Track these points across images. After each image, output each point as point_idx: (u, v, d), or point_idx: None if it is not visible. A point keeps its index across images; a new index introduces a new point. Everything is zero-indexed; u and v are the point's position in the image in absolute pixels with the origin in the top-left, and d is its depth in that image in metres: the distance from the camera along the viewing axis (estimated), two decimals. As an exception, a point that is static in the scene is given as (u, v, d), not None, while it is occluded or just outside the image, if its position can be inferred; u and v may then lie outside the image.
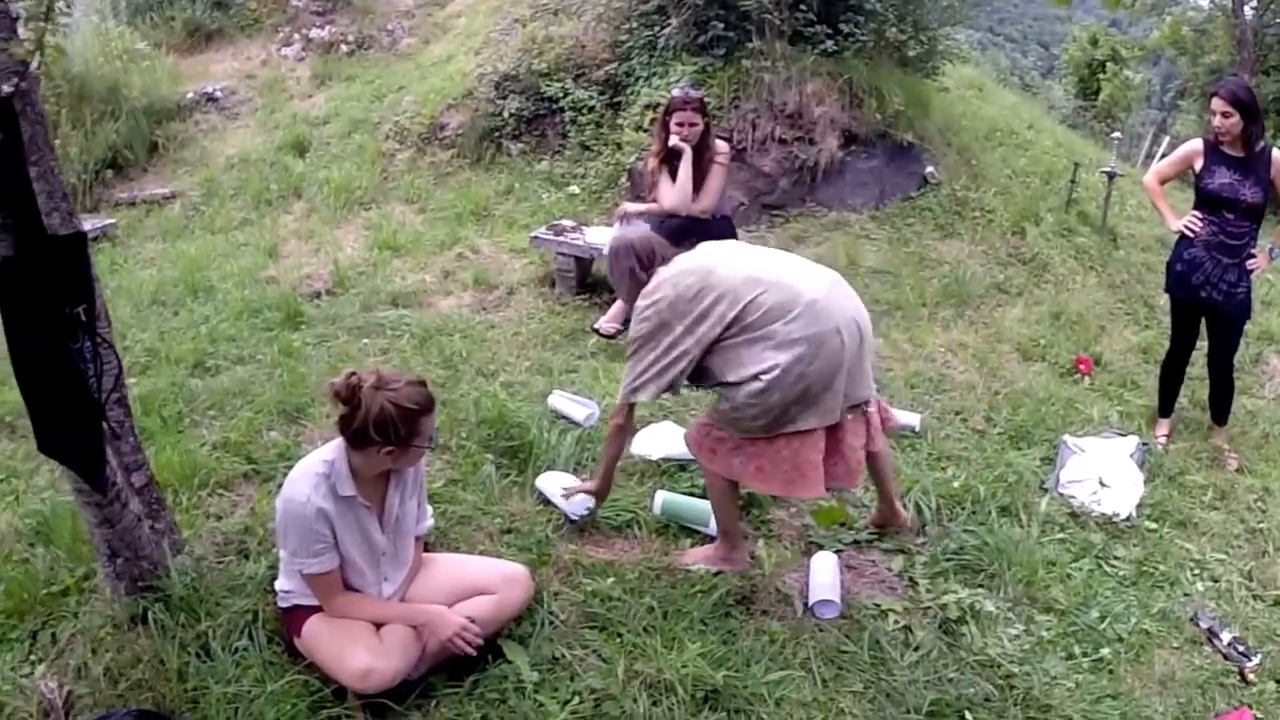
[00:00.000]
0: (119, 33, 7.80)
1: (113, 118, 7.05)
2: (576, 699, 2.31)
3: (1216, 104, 3.73)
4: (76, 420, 2.08)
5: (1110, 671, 2.69)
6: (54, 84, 6.38)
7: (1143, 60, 17.61)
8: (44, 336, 1.99)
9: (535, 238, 5.17)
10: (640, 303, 2.63)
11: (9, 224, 1.92)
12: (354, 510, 2.30)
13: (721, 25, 6.30)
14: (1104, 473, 3.59)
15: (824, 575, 2.81)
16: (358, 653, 2.22)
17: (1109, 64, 16.31)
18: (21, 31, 1.95)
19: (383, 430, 2.18)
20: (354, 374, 2.24)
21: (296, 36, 8.73)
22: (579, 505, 3.01)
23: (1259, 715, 2.60)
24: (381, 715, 2.24)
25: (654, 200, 4.68)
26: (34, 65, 1.91)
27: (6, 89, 1.87)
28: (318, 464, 2.28)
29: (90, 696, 2.22)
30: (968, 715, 2.42)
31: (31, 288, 1.95)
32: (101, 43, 7.42)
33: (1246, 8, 13.88)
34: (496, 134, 6.89)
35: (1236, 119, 3.67)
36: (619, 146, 6.43)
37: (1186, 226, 3.90)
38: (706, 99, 5.97)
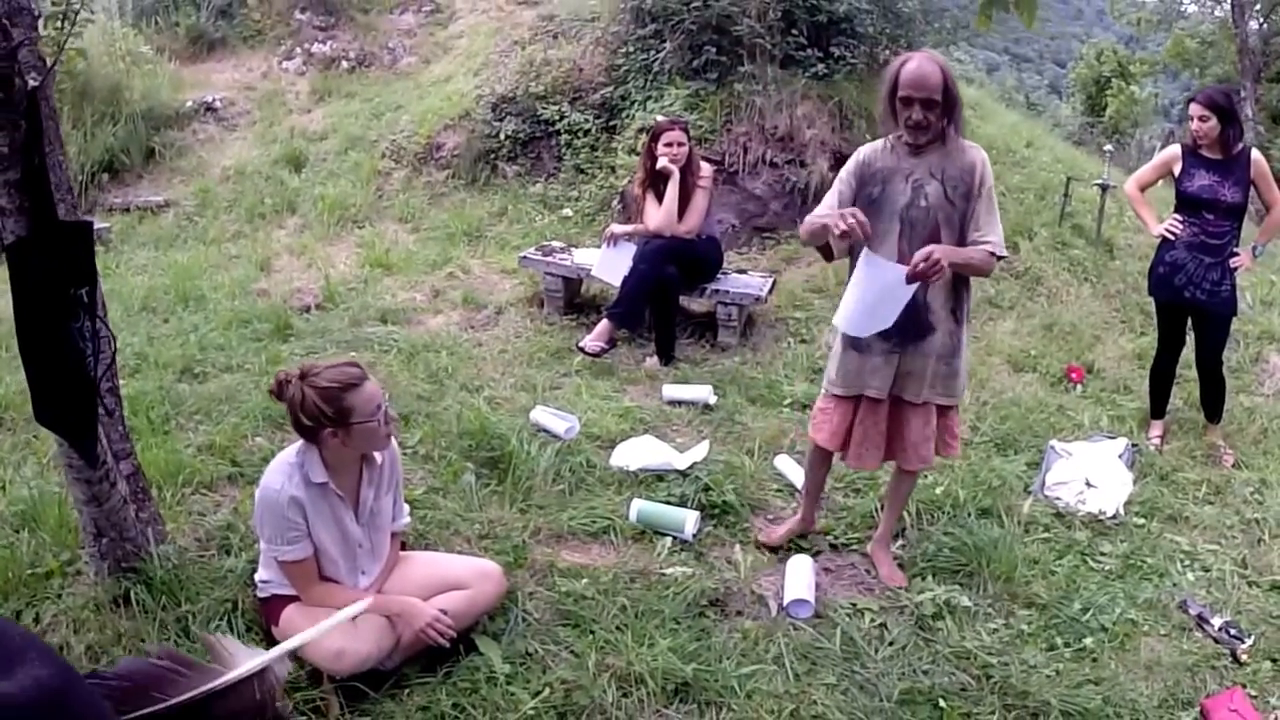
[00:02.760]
0: (123, 34, 7.95)
1: (112, 121, 7.22)
2: (547, 689, 2.40)
3: (1194, 109, 3.90)
4: (72, 393, 2.24)
5: (1093, 660, 2.74)
6: (58, 82, 6.58)
7: (1160, 75, 17.89)
8: (48, 313, 2.15)
9: (524, 258, 5.33)
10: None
11: (25, 207, 2.10)
12: (327, 499, 2.42)
13: (714, 50, 6.49)
14: (1091, 473, 3.67)
15: (799, 576, 2.90)
16: (331, 635, 2.32)
17: (1115, 80, 16.59)
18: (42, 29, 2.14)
19: (314, 416, 2.30)
20: (282, 372, 2.38)
21: (298, 50, 8.95)
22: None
23: (1253, 694, 2.64)
24: (355, 700, 2.34)
25: (640, 222, 4.86)
26: (54, 63, 2.10)
27: (32, 82, 2.05)
28: (292, 454, 2.41)
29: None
30: (942, 703, 2.49)
31: (40, 267, 2.11)
32: (106, 43, 7.56)
33: (1252, 22, 14.14)
34: (492, 155, 7.07)
35: (1214, 122, 3.83)
36: (613, 170, 6.60)
37: (1167, 230, 4.03)
38: (699, 122, 6.22)
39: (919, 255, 2.52)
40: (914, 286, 2.58)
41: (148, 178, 7.40)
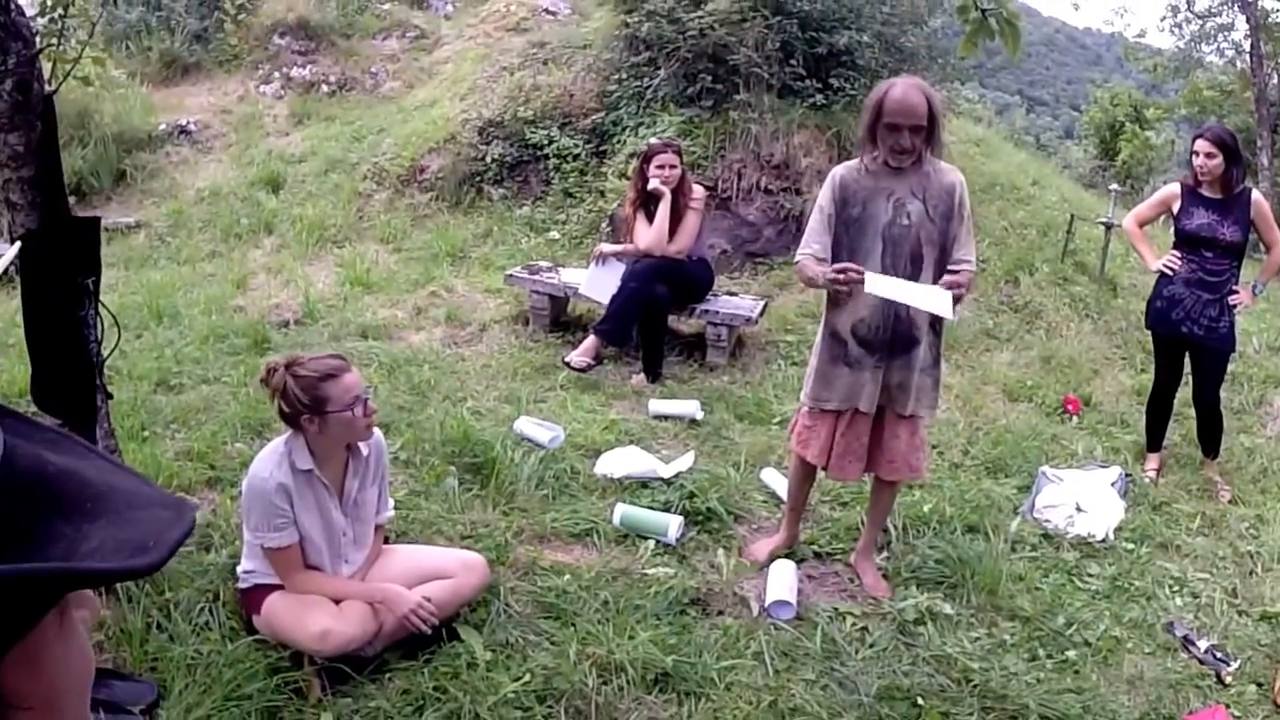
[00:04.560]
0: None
1: (81, 144, 7.61)
2: (527, 675, 2.63)
3: (1201, 145, 4.23)
4: (76, 377, 2.51)
5: (1075, 671, 2.98)
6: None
7: (1181, 122, 18.61)
8: (58, 301, 2.45)
9: (510, 276, 5.66)
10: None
11: (37, 201, 2.41)
12: (313, 487, 2.67)
13: (710, 78, 6.91)
14: (1082, 499, 3.95)
15: (781, 579, 3.16)
16: (316, 616, 2.57)
17: (1128, 124, 17.35)
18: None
19: (293, 404, 2.57)
20: (271, 360, 2.67)
21: (276, 74, 9.41)
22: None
23: (1236, 714, 2.87)
24: (337, 683, 2.57)
25: (629, 242, 5.20)
26: (69, 70, 2.45)
27: (49, 89, 2.39)
28: (279, 443, 2.68)
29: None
30: (920, 701, 2.73)
31: (51, 259, 2.42)
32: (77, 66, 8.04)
33: (1273, 75, 14.91)
34: (478, 178, 7.46)
35: (1220, 160, 4.17)
36: (602, 194, 6.98)
37: (1165, 265, 4.35)
38: (692, 149, 6.61)
39: (955, 289, 2.90)
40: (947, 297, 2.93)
41: (117, 200, 7.75)
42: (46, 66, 2.63)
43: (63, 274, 2.51)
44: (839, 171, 3.07)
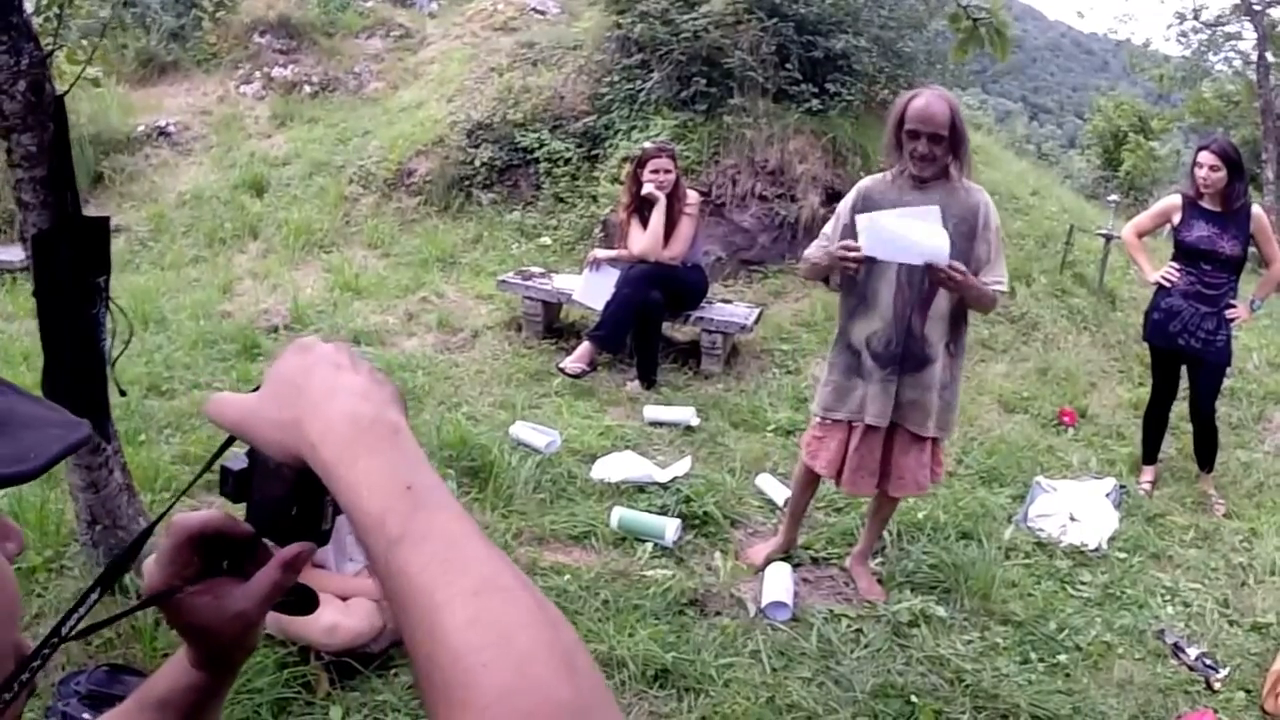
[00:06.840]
0: (68, 55, 8.61)
1: (56, 145, 7.77)
2: (530, 671, 2.84)
3: (1206, 157, 4.43)
4: (88, 373, 2.71)
5: (1066, 674, 3.19)
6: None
7: (1188, 134, 19.02)
8: (69, 299, 2.64)
9: (502, 281, 5.88)
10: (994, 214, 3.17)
11: (49, 201, 2.60)
12: (314, 483, 2.88)
13: (704, 81, 7.15)
14: (1075, 508, 4.18)
15: (777, 581, 3.38)
16: (323, 612, 2.76)
17: (1132, 134, 17.75)
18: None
19: None
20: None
21: (257, 74, 9.62)
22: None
23: (1224, 719, 3.08)
24: (344, 678, 2.76)
25: (624, 248, 5.42)
26: (80, 72, 2.65)
27: (60, 89, 2.59)
28: None
29: (62, 653, 2.74)
30: (914, 699, 2.94)
31: (62, 257, 2.61)
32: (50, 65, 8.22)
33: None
34: (467, 182, 7.67)
35: (1224, 173, 4.38)
36: (594, 199, 7.20)
37: (1164, 277, 4.57)
38: (686, 153, 6.83)
39: (956, 266, 2.95)
40: (938, 249, 2.95)
41: (95, 203, 7.90)
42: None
43: (75, 272, 2.70)
44: (865, 183, 3.26)
